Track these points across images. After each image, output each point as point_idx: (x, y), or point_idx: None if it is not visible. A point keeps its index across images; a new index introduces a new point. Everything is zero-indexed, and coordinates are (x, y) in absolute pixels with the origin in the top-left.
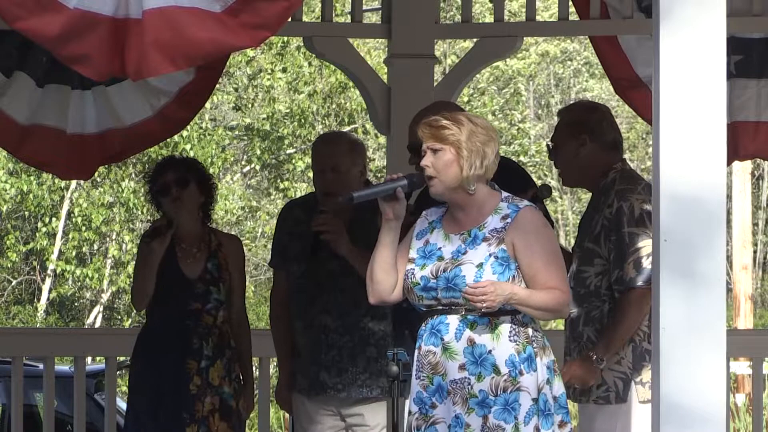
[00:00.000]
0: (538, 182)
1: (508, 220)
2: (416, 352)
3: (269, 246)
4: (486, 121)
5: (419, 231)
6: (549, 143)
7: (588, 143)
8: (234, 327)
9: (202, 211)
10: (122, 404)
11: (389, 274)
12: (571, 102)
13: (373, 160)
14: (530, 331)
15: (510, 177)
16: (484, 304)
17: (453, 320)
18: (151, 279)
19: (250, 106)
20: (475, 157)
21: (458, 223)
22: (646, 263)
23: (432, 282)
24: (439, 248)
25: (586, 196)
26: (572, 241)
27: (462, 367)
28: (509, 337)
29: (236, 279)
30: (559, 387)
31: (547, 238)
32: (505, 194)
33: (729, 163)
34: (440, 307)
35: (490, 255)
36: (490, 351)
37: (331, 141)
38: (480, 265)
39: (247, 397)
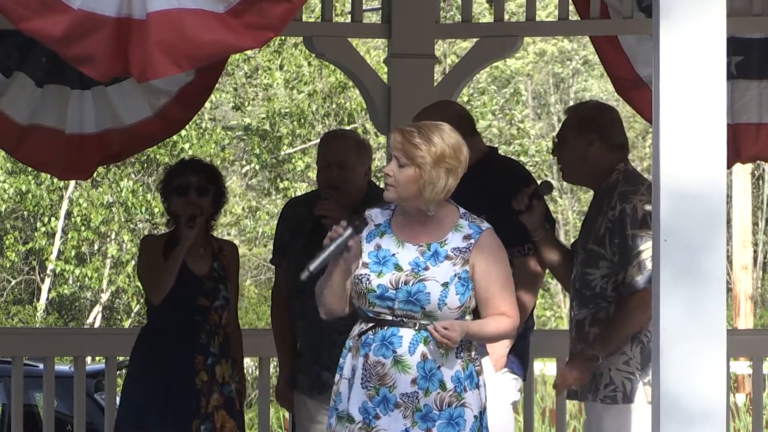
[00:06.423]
0: (539, 181)
1: (471, 241)
2: (361, 359)
3: (269, 246)
4: (458, 144)
5: (367, 234)
6: (555, 138)
7: (596, 143)
8: (229, 332)
9: (206, 221)
10: None
11: (341, 298)
12: (573, 101)
13: (373, 160)
14: (473, 350)
15: (510, 175)
16: (448, 343)
17: (407, 333)
18: (177, 268)
19: (248, 105)
20: (437, 182)
21: (413, 233)
22: (650, 266)
23: (390, 292)
24: (393, 255)
25: (586, 196)
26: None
27: (414, 381)
28: (456, 353)
29: (233, 283)
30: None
31: (503, 263)
32: (461, 210)
33: (731, 165)
34: (391, 318)
35: (455, 275)
36: (439, 366)
37: (339, 137)
38: (445, 285)
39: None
